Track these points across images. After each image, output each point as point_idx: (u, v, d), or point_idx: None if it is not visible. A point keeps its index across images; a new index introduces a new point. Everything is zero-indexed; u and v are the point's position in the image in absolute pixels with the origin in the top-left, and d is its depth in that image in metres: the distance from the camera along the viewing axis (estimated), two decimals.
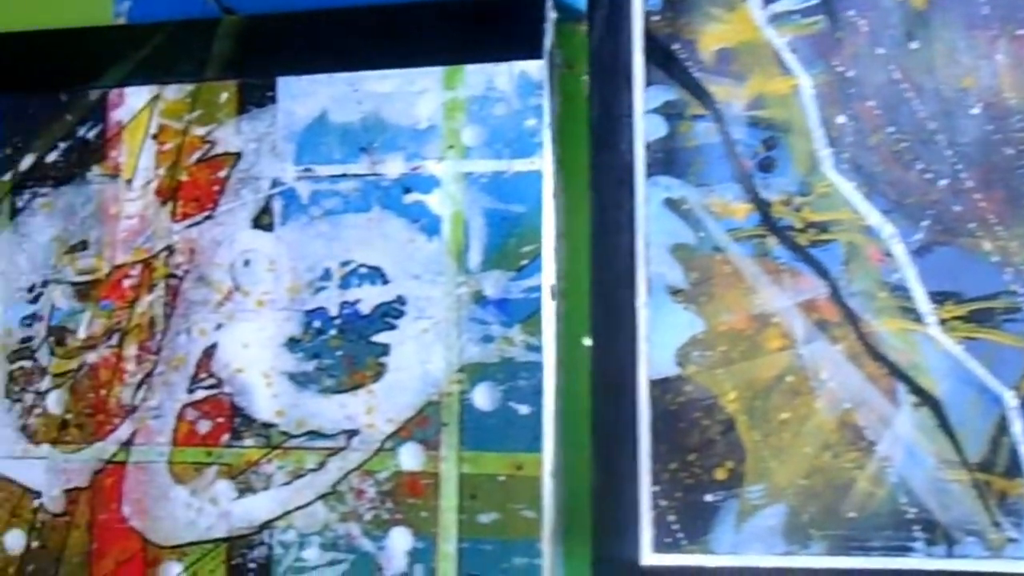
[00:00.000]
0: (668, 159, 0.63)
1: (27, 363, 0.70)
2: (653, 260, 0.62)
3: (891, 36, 0.60)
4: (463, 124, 0.65)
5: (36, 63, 0.72)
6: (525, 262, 0.63)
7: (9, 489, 0.69)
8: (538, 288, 0.63)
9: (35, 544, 0.68)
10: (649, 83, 0.63)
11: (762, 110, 0.62)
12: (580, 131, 0.65)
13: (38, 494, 0.69)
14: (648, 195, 0.63)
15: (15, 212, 0.71)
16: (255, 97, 0.68)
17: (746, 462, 0.60)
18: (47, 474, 0.69)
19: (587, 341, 0.63)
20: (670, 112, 0.63)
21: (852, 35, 0.61)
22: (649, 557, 0.60)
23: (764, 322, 0.60)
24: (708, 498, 0.60)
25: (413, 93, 0.66)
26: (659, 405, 0.61)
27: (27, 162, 0.72)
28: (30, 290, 0.71)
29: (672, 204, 0.62)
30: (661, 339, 0.62)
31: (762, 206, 0.61)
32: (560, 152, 0.65)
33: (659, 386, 0.61)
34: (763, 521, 0.59)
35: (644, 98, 0.63)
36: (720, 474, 0.60)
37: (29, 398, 0.70)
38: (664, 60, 0.63)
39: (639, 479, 0.60)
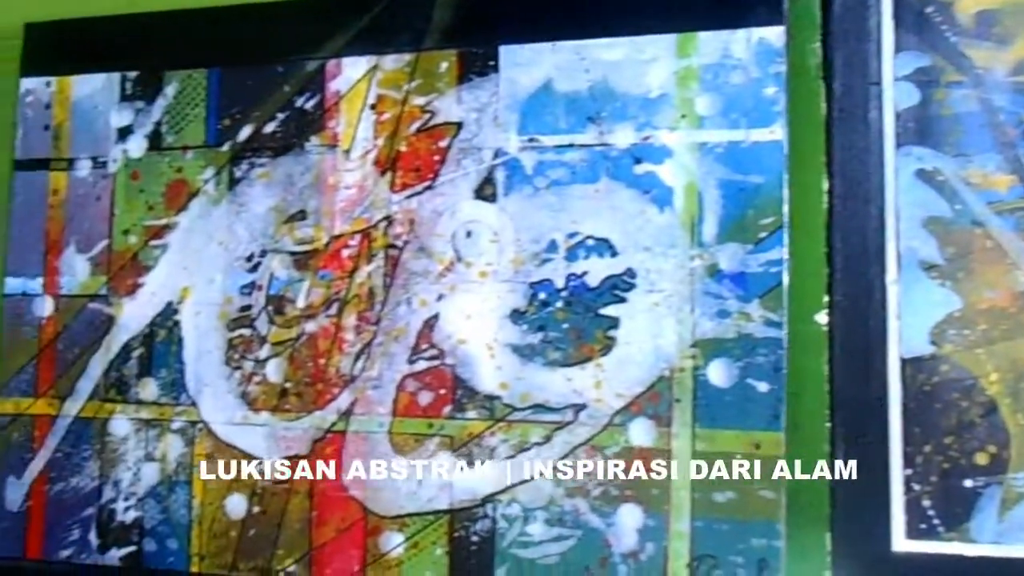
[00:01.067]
0: (921, 128, 0.60)
1: (246, 331, 0.71)
2: (904, 234, 0.59)
3: None
4: (697, 93, 0.63)
5: (254, 35, 0.73)
6: (764, 235, 0.61)
7: (230, 455, 0.70)
8: (778, 262, 0.61)
9: (256, 510, 0.69)
10: (899, 49, 0.60)
11: None
12: (807, 100, 0.63)
13: (259, 460, 0.69)
14: (899, 166, 0.60)
15: (234, 182, 0.72)
16: (476, 66, 0.68)
17: (1010, 447, 0.56)
18: (267, 441, 0.69)
19: (821, 317, 0.61)
20: (923, 79, 0.60)
21: None
22: (902, 543, 0.57)
23: None
24: (967, 484, 0.57)
25: (643, 61, 0.64)
26: (911, 385, 0.58)
27: (245, 133, 0.72)
28: (248, 259, 0.71)
29: (925, 175, 0.60)
30: (913, 317, 0.59)
31: None
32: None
33: (911, 365, 0.58)
34: None
35: (894, 65, 0.60)
36: (981, 459, 0.57)
37: (248, 366, 0.71)
38: (916, 24, 0.60)
39: (890, 462, 0.58)
